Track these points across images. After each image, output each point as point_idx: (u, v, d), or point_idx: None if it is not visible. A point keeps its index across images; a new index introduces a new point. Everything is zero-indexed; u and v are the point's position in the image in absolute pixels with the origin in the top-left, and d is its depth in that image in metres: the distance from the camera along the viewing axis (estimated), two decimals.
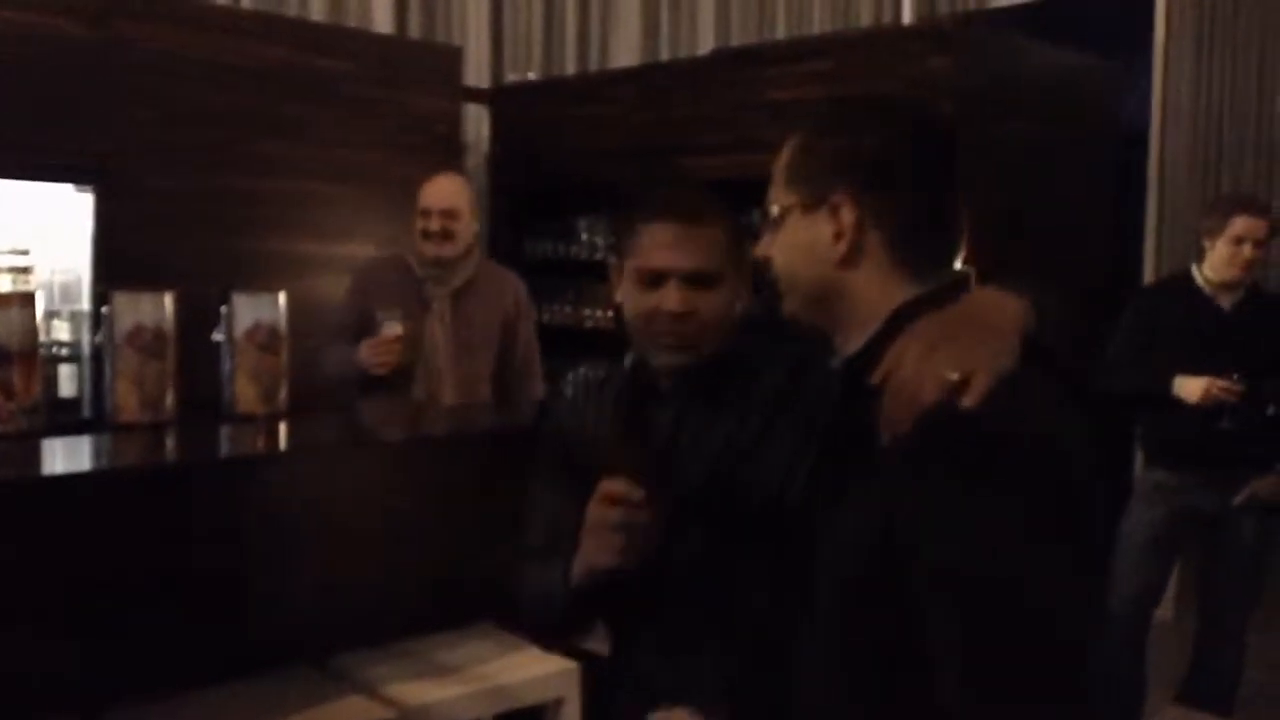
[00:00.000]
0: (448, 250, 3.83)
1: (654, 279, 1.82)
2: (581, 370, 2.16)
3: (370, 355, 3.63)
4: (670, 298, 1.80)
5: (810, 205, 1.38)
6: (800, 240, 1.40)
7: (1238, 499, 3.84)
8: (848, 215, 1.35)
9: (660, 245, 1.82)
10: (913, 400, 1.21)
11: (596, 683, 1.91)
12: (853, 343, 1.38)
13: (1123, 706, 3.91)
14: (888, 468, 1.23)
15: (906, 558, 1.18)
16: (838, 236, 1.36)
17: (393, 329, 3.63)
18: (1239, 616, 3.97)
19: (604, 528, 1.68)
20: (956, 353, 1.21)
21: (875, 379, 1.26)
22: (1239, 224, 3.83)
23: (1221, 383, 3.71)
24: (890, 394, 1.24)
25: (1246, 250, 3.83)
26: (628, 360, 1.96)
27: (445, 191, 3.88)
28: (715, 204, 1.89)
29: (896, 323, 1.32)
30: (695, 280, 1.80)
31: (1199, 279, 3.96)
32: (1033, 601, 1.14)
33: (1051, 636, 1.15)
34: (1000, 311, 1.30)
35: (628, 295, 1.87)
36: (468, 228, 3.88)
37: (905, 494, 1.20)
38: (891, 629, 1.20)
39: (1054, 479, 1.19)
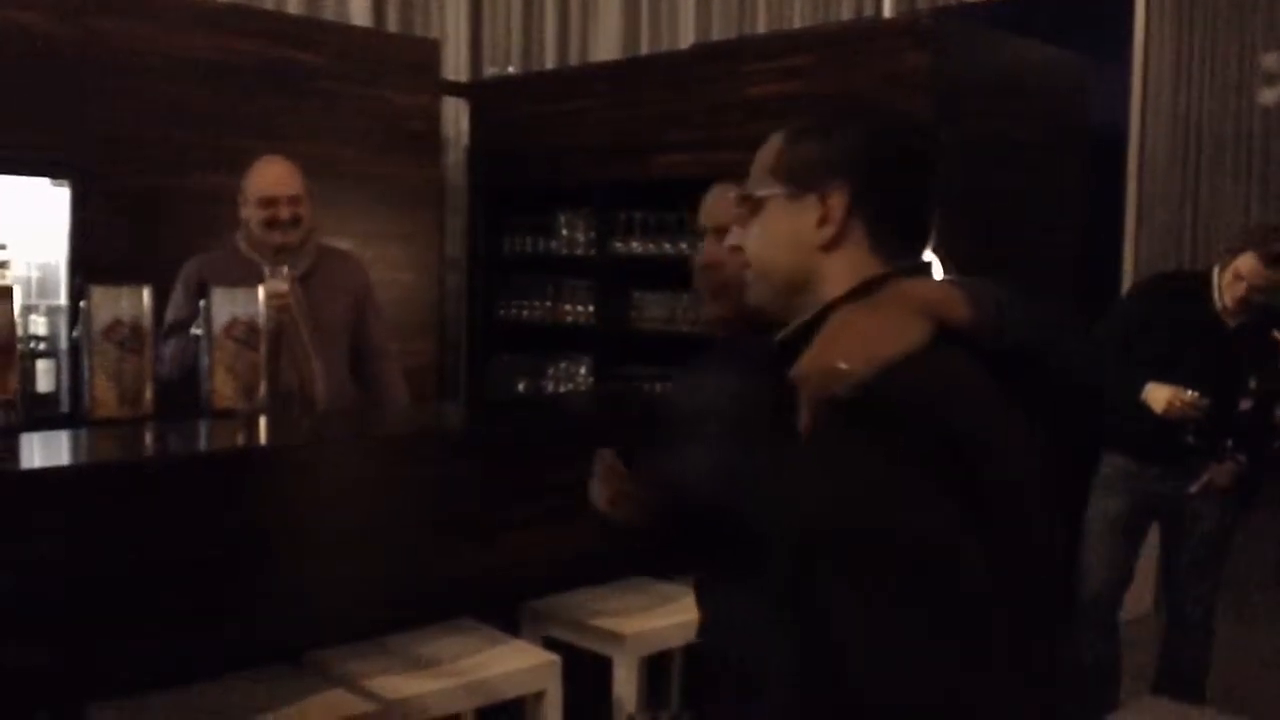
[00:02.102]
0: (294, 237, 3.64)
1: None
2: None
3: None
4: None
5: (796, 195, 1.44)
6: (782, 227, 1.45)
7: (1195, 485, 3.86)
8: (837, 202, 1.40)
9: None
10: (810, 391, 1.30)
11: None
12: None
13: (1098, 692, 3.93)
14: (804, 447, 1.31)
15: (811, 534, 1.24)
16: (823, 221, 1.41)
17: (278, 285, 3.40)
18: (1203, 603, 3.98)
19: (598, 480, 2.13)
20: (847, 344, 1.29)
21: (792, 375, 1.34)
22: (1243, 263, 3.73)
23: (1186, 396, 3.67)
24: (800, 387, 1.32)
25: (1241, 289, 3.75)
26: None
27: (287, 178, 3.65)
28: None
29: (825, 314, 1.38)
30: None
31: (1216, 289, 3.84)
32: (910, 556, 1.18)
33: (945, 598, 1.18)
34: (907, 300, 1.34)
35: None
36: (309, 212, 3.69)
37: (813, 468, 1.28)
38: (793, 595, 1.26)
39: (936, 444, 1.22)
